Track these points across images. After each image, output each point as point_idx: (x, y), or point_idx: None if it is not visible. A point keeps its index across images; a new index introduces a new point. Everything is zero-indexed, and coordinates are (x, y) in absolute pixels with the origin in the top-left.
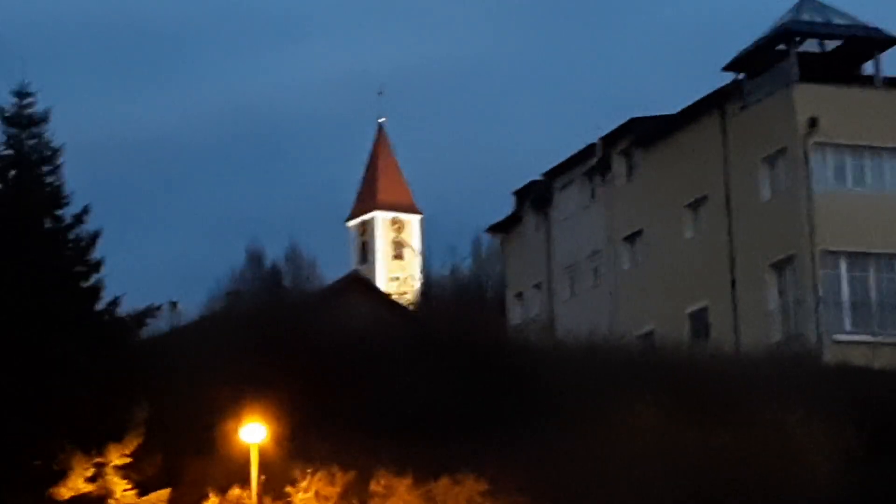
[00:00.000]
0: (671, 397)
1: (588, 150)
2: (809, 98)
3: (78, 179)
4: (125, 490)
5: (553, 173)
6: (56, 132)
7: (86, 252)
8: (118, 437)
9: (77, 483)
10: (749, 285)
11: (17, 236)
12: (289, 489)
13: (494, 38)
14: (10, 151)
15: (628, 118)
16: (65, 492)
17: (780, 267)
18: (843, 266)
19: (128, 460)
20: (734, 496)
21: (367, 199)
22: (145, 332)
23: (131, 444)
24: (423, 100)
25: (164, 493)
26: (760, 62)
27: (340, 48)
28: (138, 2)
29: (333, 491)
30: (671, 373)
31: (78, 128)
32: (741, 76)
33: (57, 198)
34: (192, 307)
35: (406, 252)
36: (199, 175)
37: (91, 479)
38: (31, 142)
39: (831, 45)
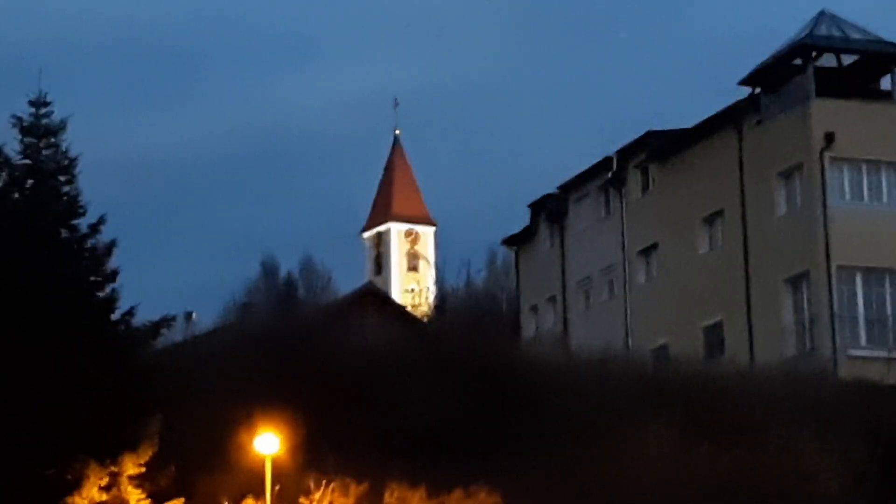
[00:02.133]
0: (684, 412)
1: (603, 164)
2: (826, 113)
3: (95, 192)
4: (139, 500)
5: (568, 187)
6: (73, 144)
7: (101, 262)
8: (132, 447)
9: (91, 492)
10: (764, 300)
11: (33, 246)
12: (302, 500)
13: (510, 52)
14: (26, 161)
15: (644, 132)
16: (79, 501)
17: (795, 282)
18: (859, 282)
19: (142, 470)
20: None
21: (382, 211)
22: (160, 343)
23: (146, 454)
24: (439, 113)
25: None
26: (777, 77)
27: (356, 64)
28: (158, 20)
29: (347, 502)
30: (684, 388)
31: (96, 142)
32: (758, 91)
33: (73, 208)
34: (206, 318)
35: (421, 264)
36: (215, 188)
37: (105, 489)
38: (48, 151)
39: (848, 59)
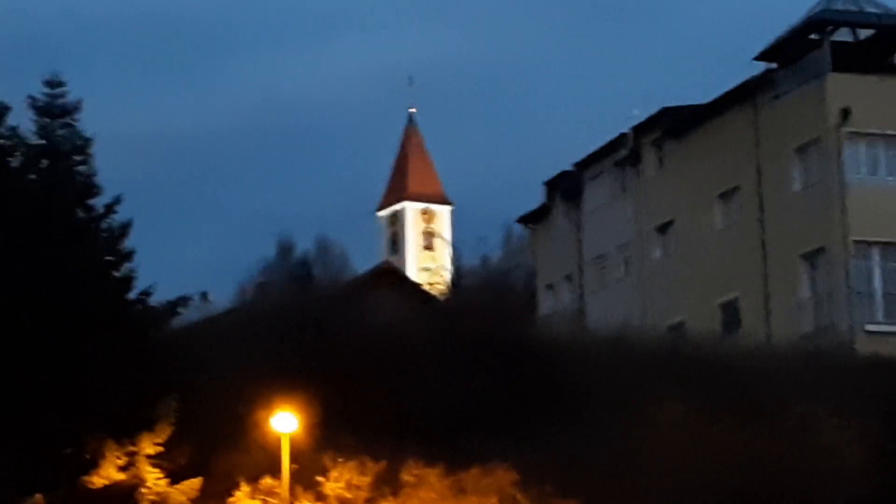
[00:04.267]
0: (701, 389)
1: (619, 141)
2: (842, 88)
3: (112, 170)
4: (157, 479)
5: (584, 164)
6: (90, 123)
7: (117, 242)
8: (150, 427)
9: (109, 472)
10: (780, 276)
11: (49, 226)
12: (320, 479)
13: (526, 28)
14: (41, 141)
15: (659, 108)
16: (97, 480)
17: (811, 258)
18: (876, 256)
19: (159, 449)
20: (764, 489)
21: (398, 190)
22: (176, 323)
23: (163, 433)
24: (454, 90)
25: (195, 483)
26: (792, 52)
27: (373, 41)
28: None
29: (364, 481)
30: (701, 365)
31: (113, 120)
32: (773, 66)
33: (88, 188)
34: (222, 298)
35: (436, 243)
36: (230, 167)
37: (123, 468)
38: (63, 132)
39: (864, 34)
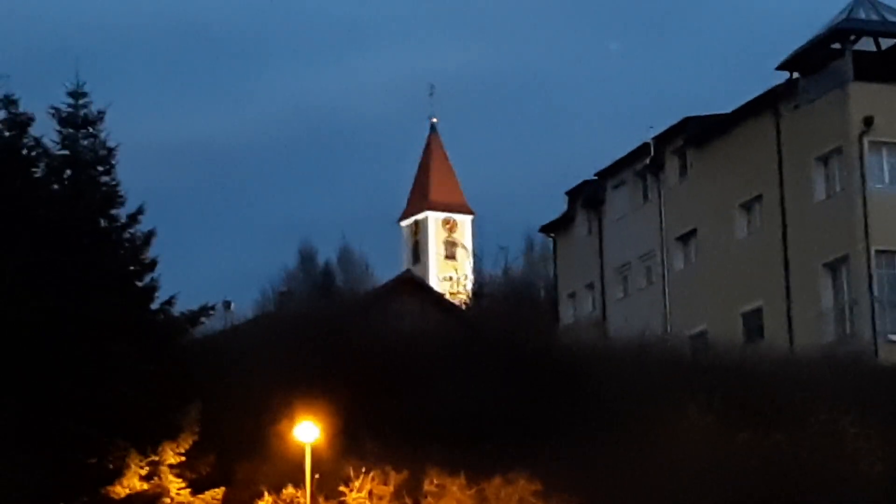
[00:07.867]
0: (724, 398)
1: (641, 150)
2: (864, 97)
3: (136, 179)
4: (180, 489)
5: (606, 173)
6: (115, 132)
7: (140, 251)
8: (173, 437)
9: (132, 482)
10: (803, 285)
11: (72, 235)
12: (342, 488)
13: (547, 37)
14: (65, 151)
15: (682, 117)
16: (120, 490)
17: (834, 267)
18: None
19: (182, 459)
20: (787, 497)
21: (420, 199)
22: (199, 332)
23: (186, 443)
24: (476, 100)
25: (218, 492)
26: (815, 61)
27: (395, 52)
28: (203, 8)
29: (386, 490)
30: (724, 374)
31: (138, 129)
32: (795, 75)
33: (112, 197)
34: (245, 307)
35: (458, 252)
36: (253, 176)
37: (146, 478)
38: (86, 142)
39: (887, 43)
